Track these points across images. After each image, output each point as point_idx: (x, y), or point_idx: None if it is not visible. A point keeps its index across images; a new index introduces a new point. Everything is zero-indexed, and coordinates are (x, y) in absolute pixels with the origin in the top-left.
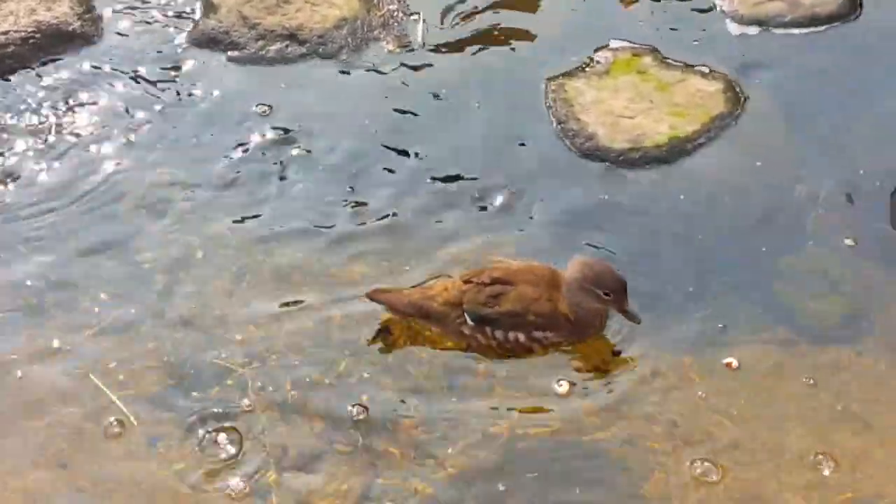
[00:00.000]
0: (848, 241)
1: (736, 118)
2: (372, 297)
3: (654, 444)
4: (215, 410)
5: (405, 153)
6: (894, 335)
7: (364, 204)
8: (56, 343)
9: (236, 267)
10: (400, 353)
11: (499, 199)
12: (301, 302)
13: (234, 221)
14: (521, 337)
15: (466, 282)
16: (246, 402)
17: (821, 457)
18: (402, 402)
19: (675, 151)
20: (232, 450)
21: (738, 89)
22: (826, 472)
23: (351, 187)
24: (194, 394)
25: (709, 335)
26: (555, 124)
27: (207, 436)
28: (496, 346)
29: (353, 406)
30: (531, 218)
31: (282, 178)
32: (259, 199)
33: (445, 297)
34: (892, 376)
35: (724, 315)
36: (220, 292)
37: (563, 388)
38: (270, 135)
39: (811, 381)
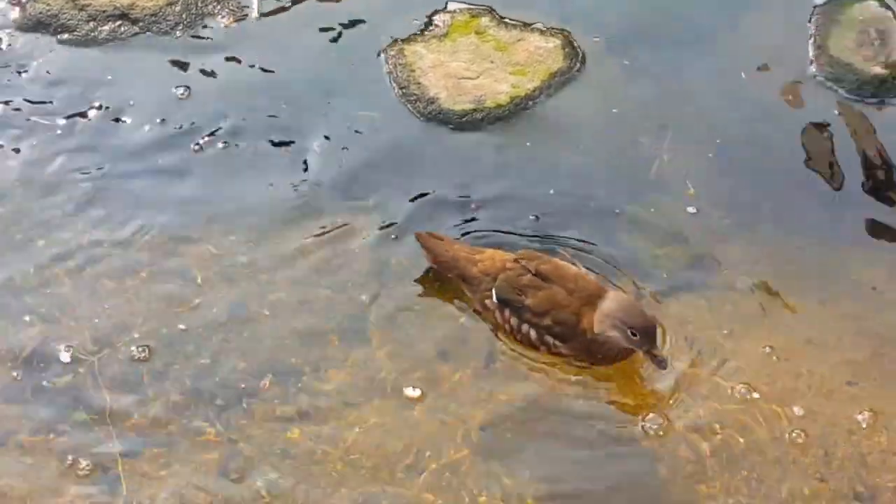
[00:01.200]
0: (690, 188)
1: (576, 73)
2: (420, 238)
3: None
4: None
5: (247, 130)
6: (737, 277)
7: (209, 182)
8: None
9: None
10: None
11: (344, 170)
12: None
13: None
14: (533, 334)
15: (516, 260)
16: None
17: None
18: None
19: (517, 109)
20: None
21: (575, 44)
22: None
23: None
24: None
25: None
26: (396, 90)
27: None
28: (509, 330)
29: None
30: (379, 186)
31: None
32: (99, 187)
33: (488, 266)
34: (738, 315)
35: None
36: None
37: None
38: (105, 118)
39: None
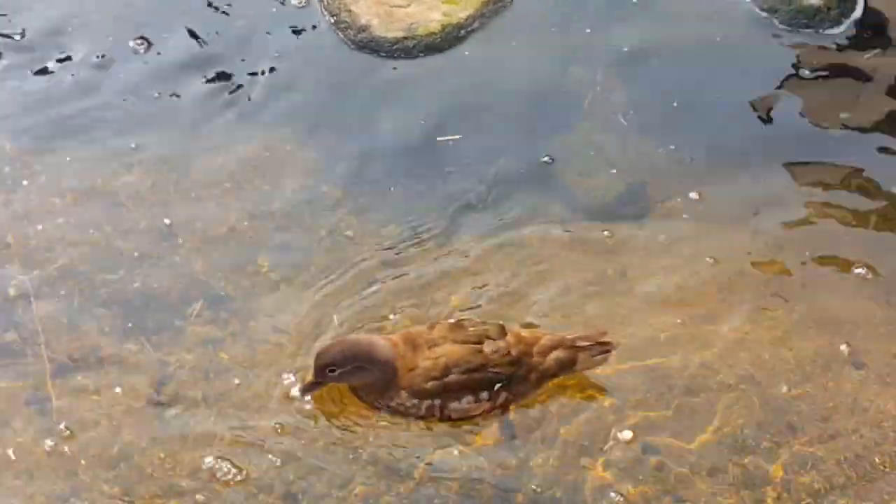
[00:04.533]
0: (622, 119)
1: (508, 2)
2: None
3: None
4: None
5: (171, 60)
6: (669, 206)
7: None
8: None
9: None
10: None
11: (273, 97)
12: None
13: None
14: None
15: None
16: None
17: None
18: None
19: (449, 38)
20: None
21: None
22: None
23: None
24: None
25: (496, 222)
26: (327, 17)
27: None
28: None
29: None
30: (312, 114)
31: None
32: None
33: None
34: (667, 247)
35: (507, 200)
36: None
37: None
38: None
39: (597, 257)
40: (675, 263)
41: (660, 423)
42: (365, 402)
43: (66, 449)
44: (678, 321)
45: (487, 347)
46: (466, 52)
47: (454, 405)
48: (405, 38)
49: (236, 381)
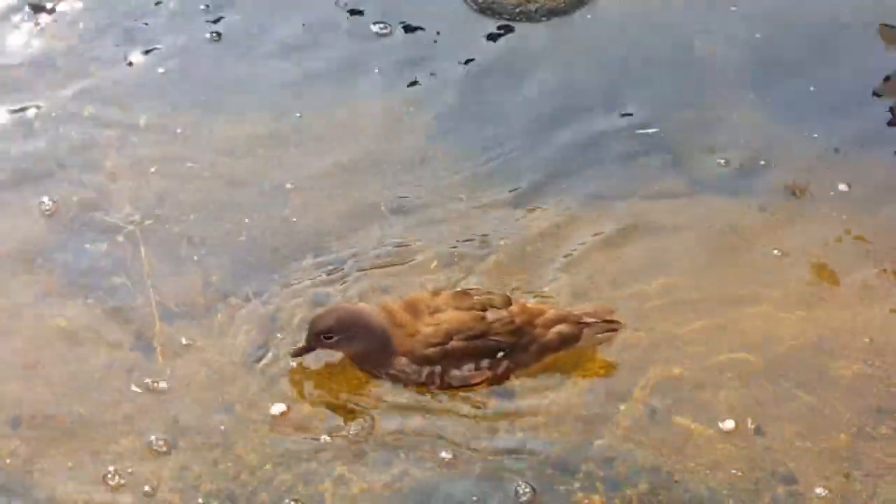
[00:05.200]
0: (749, 94)
1: None
2: None
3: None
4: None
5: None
6: (785, 179)
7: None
8: None
9: None
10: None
11: (401, 55)
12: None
13: None
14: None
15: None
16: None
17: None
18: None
19: (572, 3)
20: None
21: None
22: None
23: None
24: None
25: (607, 190)
26: None
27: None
28: None
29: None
30: (433, 75)
31: None
32: None
33: None
34: (787, 224)
35: (619, 171)
36: None
37: None
38: None
39: (711, 230)
40: (798, 245)
41: (772, 404)
42: (363, 370)
43: (167, 394)
44: (800, 301)
45: (491, 315)
46: (589, 17)
47: (454, 372)
48: (528, 1)
49: None
